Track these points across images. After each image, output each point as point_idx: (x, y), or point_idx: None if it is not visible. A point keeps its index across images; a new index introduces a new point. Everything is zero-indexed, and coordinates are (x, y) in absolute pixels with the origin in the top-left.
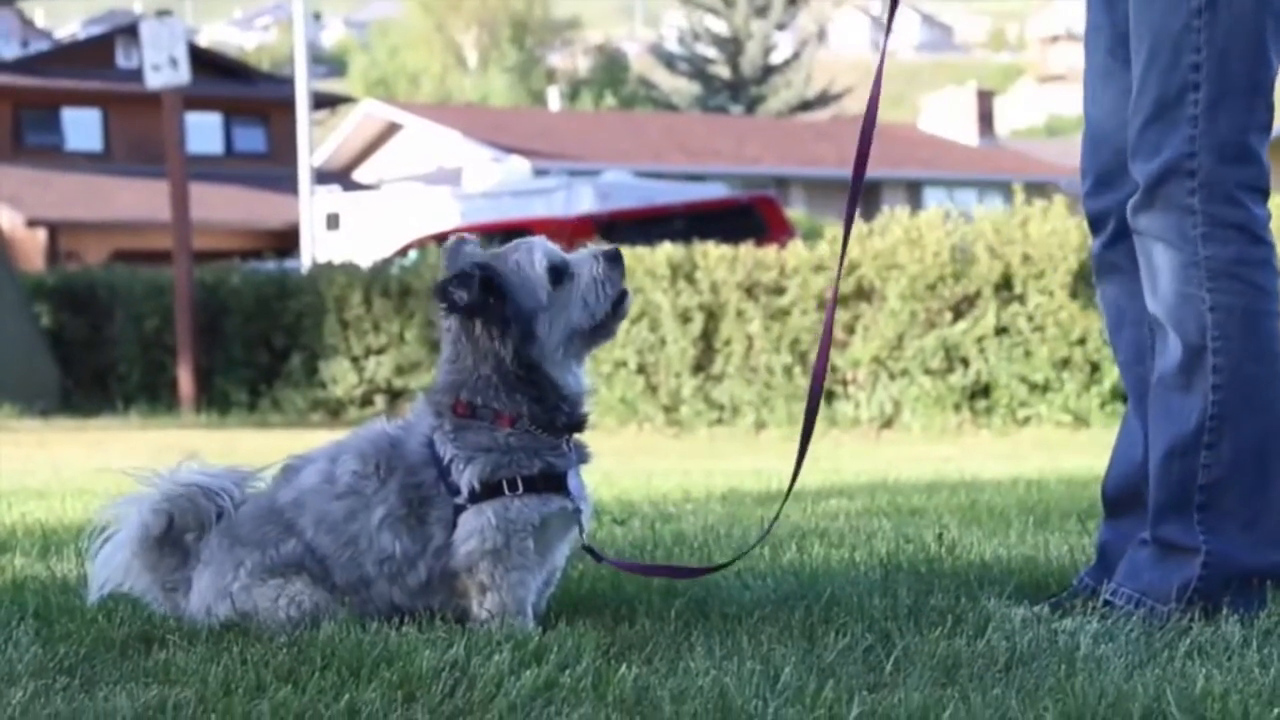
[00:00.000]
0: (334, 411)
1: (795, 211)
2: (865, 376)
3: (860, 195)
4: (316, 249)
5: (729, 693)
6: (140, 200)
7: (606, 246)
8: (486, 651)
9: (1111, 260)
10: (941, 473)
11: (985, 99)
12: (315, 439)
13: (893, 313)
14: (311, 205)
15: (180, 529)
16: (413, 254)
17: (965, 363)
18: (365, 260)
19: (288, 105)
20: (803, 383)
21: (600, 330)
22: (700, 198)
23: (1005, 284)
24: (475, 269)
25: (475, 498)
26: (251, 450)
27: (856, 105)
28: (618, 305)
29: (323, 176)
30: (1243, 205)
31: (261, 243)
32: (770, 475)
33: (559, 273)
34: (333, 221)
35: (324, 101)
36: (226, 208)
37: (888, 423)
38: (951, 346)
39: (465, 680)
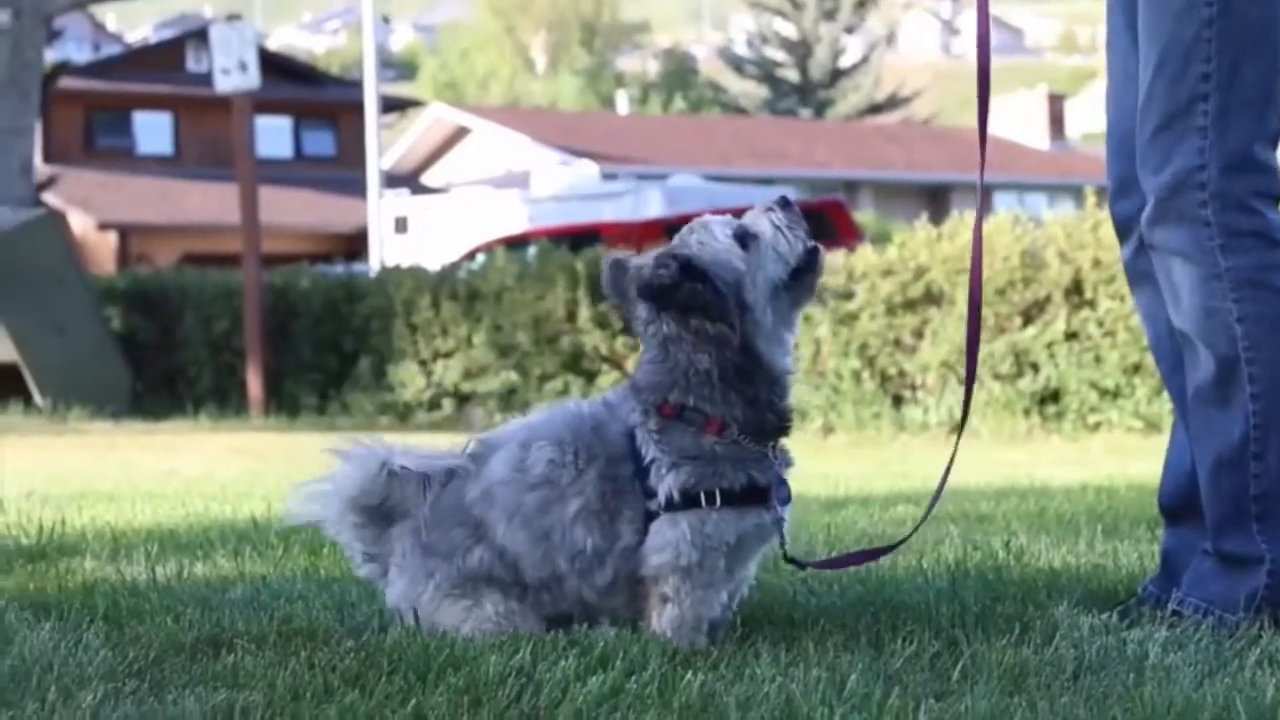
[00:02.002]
0: (402, 415)
1: (864, 215)
2: (934, 381)
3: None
4: (385, 252)
5: (795, 700)
6: (210, 203)
7: (774, 196)
8: (553, 657)
9: (1142, 268)
10: (1010, 478)
11: (1056, 102)
12: None
13: (962, 318)
14: (380, 209)
15: (389, 507)
16: (481, 257)
17: (1035, 368)
18: (433, 264)
19: (356, 109)
20: (871, 387)
21: (801, 281)
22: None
23: (1076, 289)
24: (669, 259)
25: (671, 506)
26: (321, 455)
27: (925, 108)
28: (812, 256)
29: (391, 180)
30: (1257, 212)
31: (330, 246)
32: (838, 480)
33: (744, 236)
34: (401, 225)
35: (392, 105)
36: (295, 211)
37: (954, 427)
38: (1021, 351)
39: (531, 686)
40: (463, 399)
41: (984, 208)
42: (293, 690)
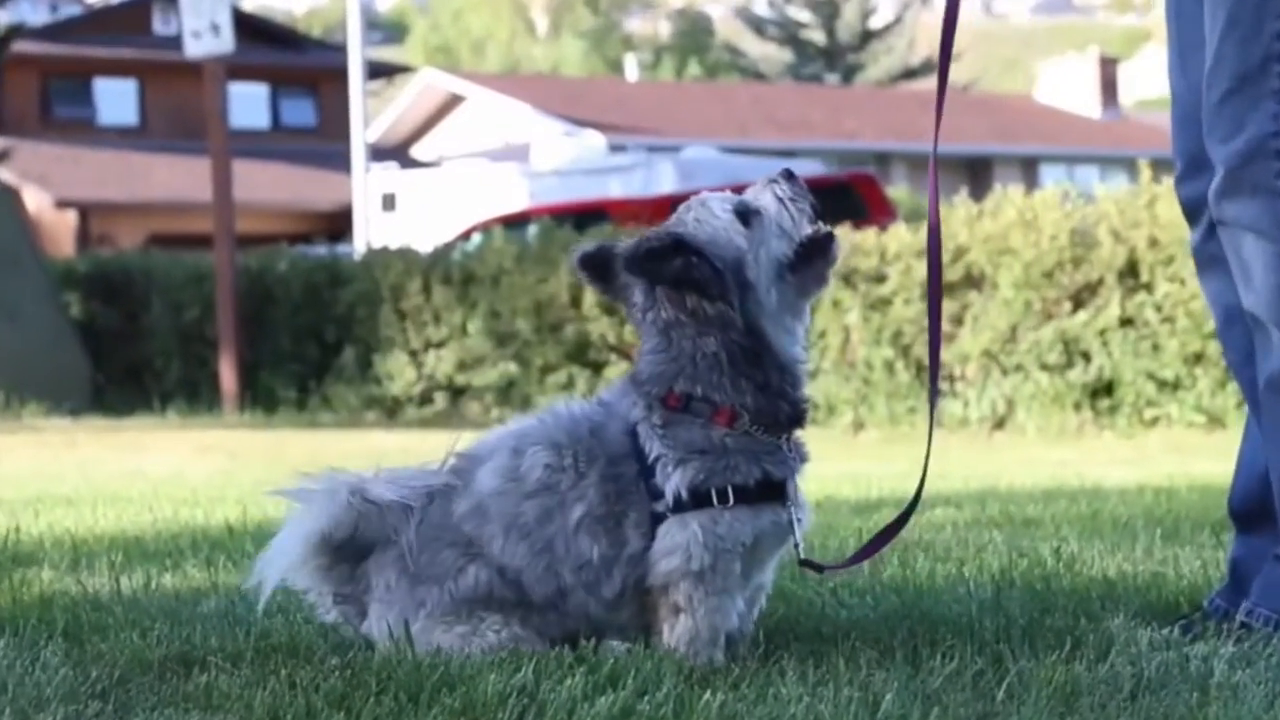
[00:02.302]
0: (390, 411)
1: (897, 190)
2: (975, 372)
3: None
4: (371, 232)
5: None
6: (179, 179)
7: (778, 171)
8: (557, 675)
9: (1212, 253)
10: (1060, 479)
11: (1108, 66)
12: (370, 441)
13: (1005, 302)
14: (366, 185)
15: (362, 539)
16: (476, 238)
17: (1086, 357)
18: (424, 245)
19: (340, 75)
20: (905, 378)
21: (810, 265)
22: None
23: (1130, 270)
24: (660, 237)
25: (680, 506)
26: (301, 454)
27: (964, 73)
28: (826, 241)
29: (378, 153)
30: None
31: (311, 226)
32: (869, 480)
33: (745, 212)
34: (389, 202)
35: (380, 71)
36: (273, 187)
37: (1000, 423)
38: (1071, 339)
39: (534, 707)
40: (457, 393)
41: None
42: (272, 712)
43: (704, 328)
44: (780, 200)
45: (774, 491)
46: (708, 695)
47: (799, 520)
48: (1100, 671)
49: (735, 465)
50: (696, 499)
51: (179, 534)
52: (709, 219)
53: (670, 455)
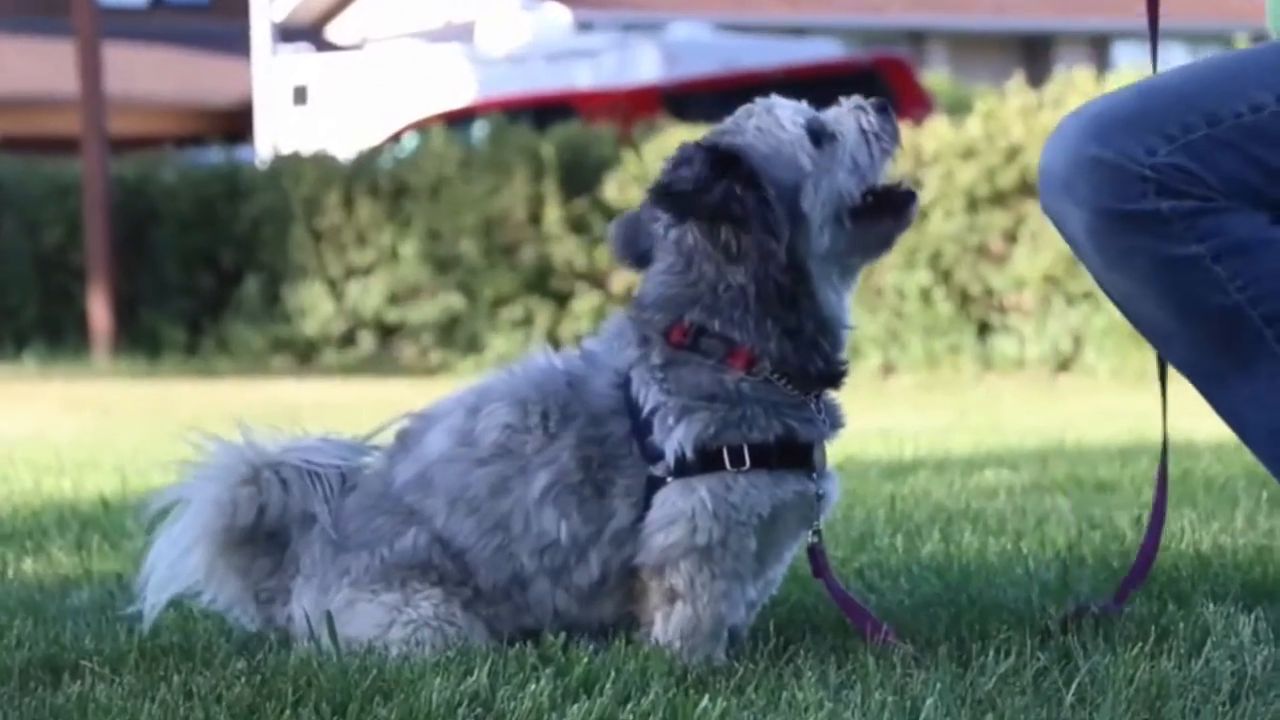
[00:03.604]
0: (303, 355)
1: (934, 77)
2: (1034, 302)
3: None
4: (278, 133)
5: None
6: (36, 67)
7: (870, 100)
8: (519, 679)
9: None
10: (1139, 432)
11: None
12: (278, 392)
13: None
14: (271, 74)
15: (274, 521)
16: (410, 140)
17: None
18: (345, 149)
19: None
20: (945, 310)
21: (878, 226)
22: (805, 60)
23: None
24: (700, 149)
25: (683, 469)
26: (191, 409)
27: None
28: (904, 203)
29: (286, 34)
30: None
31: (203, 125)
32: (902, 436)
33: (819, 132)
34: (300, 95)
35: None
36: (154, 77)
37: (1065, 365)
38: None
39: (490, 718)
40: (387, 332)
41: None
42: None
43: (736, 261)
44: (864, 133)
45: (798, 455)
46: (705, 701)
47: (822, 495)
48: (1193, 669)
49: (752, 418)
50: (704, 459)
51: (41, 510)
52: (774, 130)
53: (671, 404)
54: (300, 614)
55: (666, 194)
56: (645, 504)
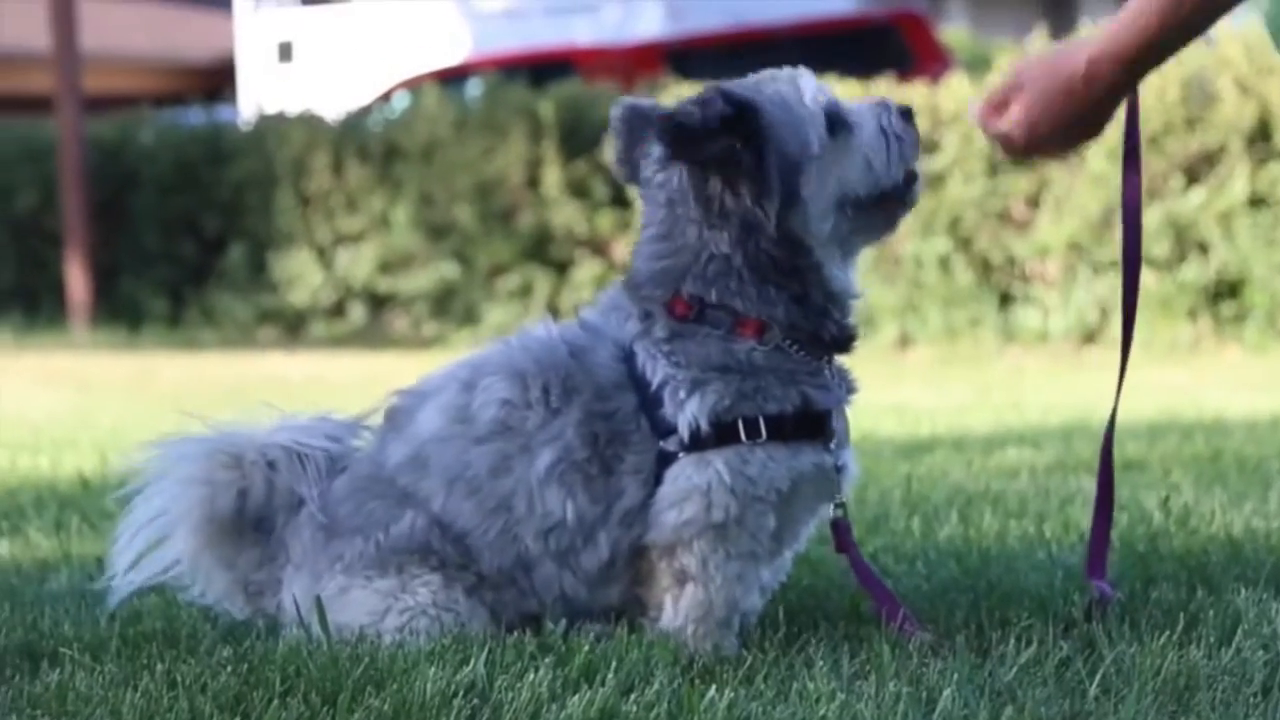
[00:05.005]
0: (291, 326)
1: (953, 31)
2: (1058, 271)
3: None
4: (262, 92)
5: None
6: (6, 21)
7: (895, 102)
8: (517, 669)
9: None
10: (1169, 408)
11: None
12: (265, 366)
13: (1096, 179)
14: (254, 28)
15: (259, 508)
16: (401, 99)
17: (1203, 249)
18: (333, 109)
19: None
20: (965, 280)
21: (883, 210)
22: (818, 15)
23: (1261, 134)
24: (718, 94)
25: (697, 442)
26: (174, 383)
27: None
28: (910, 183)
29: None
30: None
31: (183, 83)
32: (919, 414)
33: (836, 118)
34: (285, 52)
35: None
36: (131, 32)
37: (1090, 336)
38: (1183, 226)
39: (486, 710)
40: (378, 302)
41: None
42: (144, 718)
43: (717, 220)
44: (883, 132)
45: (816, 425)
46: (712, 692)
47: (842, 468)
48: (1223, 658)
49: (767, 388)
50: (719, 432)
51: (17, 489)
52: (793, 101)
53: (682, 377)
54: (290, 602)
55: (670, 124)
56: (656, 481)
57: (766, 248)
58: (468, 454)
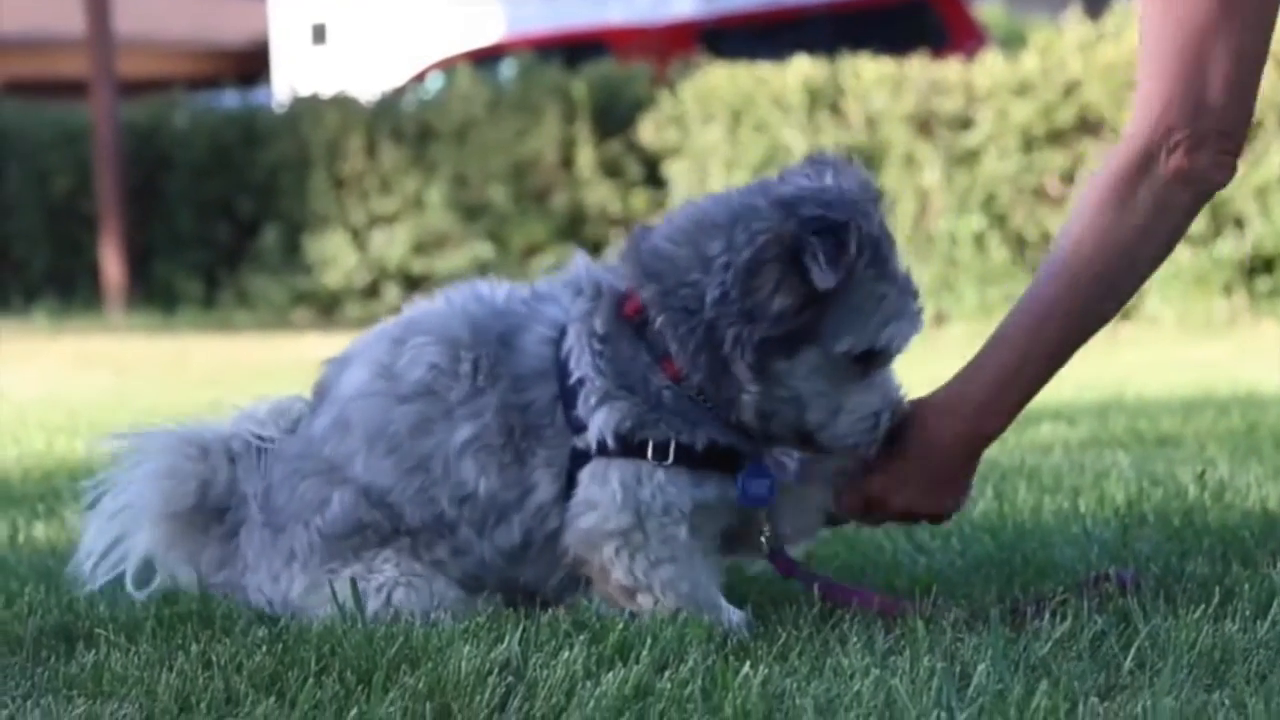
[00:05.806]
0: (326, 307)
1: (988, 8)
2: None
3: None
4: (296, 74)
5: (898, 700)
6: (41, 5)
7: (902, 411)
8: (551, 647)
9: None
10: (1205, 383)
11: None
12: (300, 347)
13: None
14: (288, 11)
15: (221, 501)
16: (434, 80)
17: (1238, 224)
18: (367, 90)
19: None
20: (1001, 257)
21: (819, 450)
22: None
23: None
24: (852, 219)
25: (605, 450)
26: (209, 365)
27: None
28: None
29: None
30: None
31: (217, 66)
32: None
33: (874, 358)
34: (319, 34)
35: None
36: (166, 16)
37: (1126, 313)
38: (1219, 201)
39: (521, 687)
40: (413, 283)
41: None
42: (181, 699)
43: (717, 304)
44: (877, 414)
45: (726, 460)
46: (746, 668)
47: (753, 497)
48: (1259, 632)
49: (671, 423)
50: (625, 447)
51: (53, 472)
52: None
53: (598, 384)
54: (264, 604)
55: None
56: (570, 478)
57: (730, 348)
58: (390, 412)
